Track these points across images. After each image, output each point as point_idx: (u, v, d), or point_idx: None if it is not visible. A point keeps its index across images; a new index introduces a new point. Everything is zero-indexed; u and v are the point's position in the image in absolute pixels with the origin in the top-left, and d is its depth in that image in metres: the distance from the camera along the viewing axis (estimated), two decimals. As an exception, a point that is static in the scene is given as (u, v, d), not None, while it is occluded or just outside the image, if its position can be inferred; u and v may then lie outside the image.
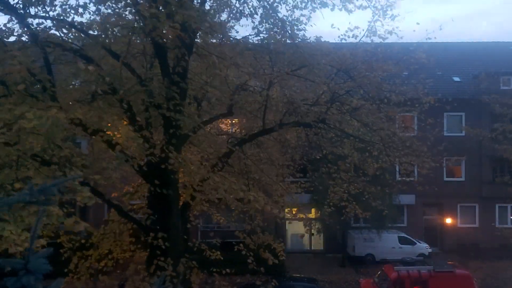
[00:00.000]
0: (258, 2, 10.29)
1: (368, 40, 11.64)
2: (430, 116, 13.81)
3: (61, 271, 6.95)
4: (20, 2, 8.87)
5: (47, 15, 9.23)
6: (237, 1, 10.57)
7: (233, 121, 15.58)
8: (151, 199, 11.07)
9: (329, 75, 11.79)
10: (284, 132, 12.65)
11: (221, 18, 10.50)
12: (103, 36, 8.99)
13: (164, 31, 8.00)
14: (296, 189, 14.32)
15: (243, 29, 15.41)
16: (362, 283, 21.27)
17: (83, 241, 11.96)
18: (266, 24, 10.44)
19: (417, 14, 33.90)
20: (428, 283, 18.49)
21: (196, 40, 9.48)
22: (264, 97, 11.14)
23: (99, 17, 9.45)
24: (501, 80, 29.25)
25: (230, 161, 12.09)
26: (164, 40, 8.62)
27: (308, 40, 10.75)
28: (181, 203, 11.57)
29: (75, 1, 9.65)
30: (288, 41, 10.28)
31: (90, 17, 9.61)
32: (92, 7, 9.47)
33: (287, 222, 26.77)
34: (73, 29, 9.38)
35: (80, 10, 9.10)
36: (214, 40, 9.64)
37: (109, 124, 9.26)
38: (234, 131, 14.87)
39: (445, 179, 29.41)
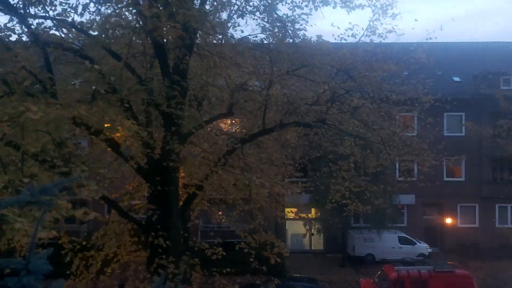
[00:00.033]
0: (259, 1, 10.29)
1: (368, 40, 11.65)
2: (430, 116, 13.81)
3: (62, 271, 6.94)
4: (20, 2, 8.87)
5: (47, 15, 9.23)
6: (238, 0, 10.59)
7: (233, 121, 15.58)
8: (151, 198, 11.07)
9: (329, 74, 11.80)
10: (284, 132, 12.65)
11: (222, 18, 10.52)
12: (103, 36, 9.00)
13: (165, 31, 8.00)
14: (297, 189, 14.32)
15: (242, 29, 15.46)
16: (362, 283, 21.28)
17: (84, 242, 11.93)
18: (267, 24, 10.44)
19: (417, 14, 33.86)
20: (428, 283, 18.50)
21: (196, 40, 9.49)
22: (264, 97, 11.15)
23: (99, 17, 9.46)
24: (501, 80, 29.26)
25: (230, 161, 12.09)
26: (165, 40, 8.63)
27: (309, 39, 10.75)
28: (181, 203, 11.58)
29: (75, 1, 9.66)
30: (289, 40, 10.28)
31: (90, 16, 9.62)
32: (92, 8, 9.47)
33: (287, 222, 26.79)
34: (73, 29, 9.38)
35: (80, 10, 9.09)
36: (214, 41, 9.65)
37: (109, 125, 9.25)
38: (234, 131, 14.86)
39: (445, 179, 29.43)
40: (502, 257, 26.16)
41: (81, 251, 11.92)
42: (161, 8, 8.09)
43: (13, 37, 9.21)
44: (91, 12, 9.63)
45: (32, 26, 9.10)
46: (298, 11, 10.45)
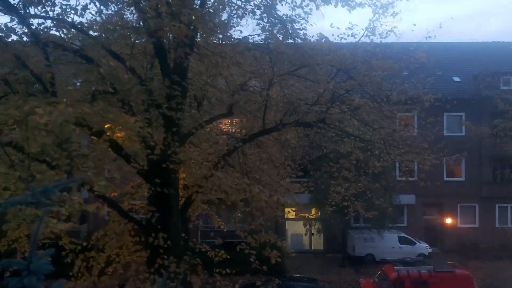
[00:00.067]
0: (259, 1, 10.28)
1: (368, 40, 11.65)
2: (430, 115, 13.82)
3: (62, 272, 6.96)
4: (20, 1, 8.87)
5: (47, 15, 9.22)
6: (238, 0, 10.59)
7: (233, 121, 15.58)
8: (152, 199, 11.07)
9: (329, 74, 11.79)
10: (284, 132, 12.65)
11: (222, 18, 10.51)
12: (103, 36, 8.99)
13: (167, 30, 7.98)
14: (298, 189, 14.32)
15: (243, 29, 15.49)
16: (362, 283, 21.28)
17: (84, 243, 11.91)
18: (267, 24, 10.43)
19: (416, 14, 33.93)
20: (428, 283, 18.50)
21: (196, 39, 9.49)
22: (264, 97, 11.15)
23: (99, 17, 9.46)
24: (501, 80, 29.27)
25: (230, 161, 12.09)
26: (166, 40, 8.62)
27: (309, 39, 10.74)
28: (181, 203, 11.58)
29: (75, 1, 9.67)
30: (289, 40, 10.27)
31: (92, 17, 9.62)
32: (93, 8, 9.47)
33: (287, 221, 26.81)
34: (73, 30, 9.37)
35: (80, 10, 9.08)
36: (215, 41, 9.65)
37: (109, 125, 9.24)
38: (234, 131, 14.86)
39: (445, 179, 29.43)
40: (502, 257, 26.17)
41: (82, 252, 11.91)
42: (162, 7, 8.09)
43: (13, 37, 9.21)
44: (92, 12, 9.64)
45: (33, 26, 9.09)
46: (298, 10, 10.46)
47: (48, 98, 8.32)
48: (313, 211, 26.00)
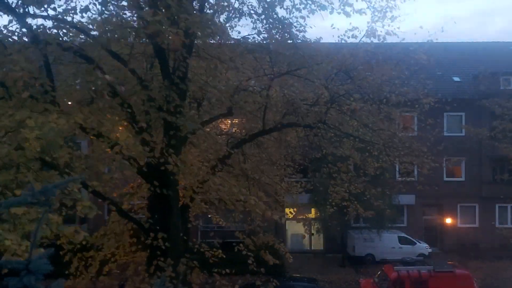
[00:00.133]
0: (257, 3, 10.29)
1: (368, 41, 11.67)
2: (430, 116, 13.84)
3: (62, 271, 6.93)
4: (20, 1, 8.87)
5: (47, 14, 9.22)
6: (236, 1, 10.59)
7: (233, 121, 15.58)
8: (152, 199, 11.08)
9: (329, 75, 11.80)
10: (284, 132, 12.67)
11: (220, 19, 10.52)
12: (103, 36, 8.99)
13: (168, 36, 7.98)
14: (297, 189, 14.34)
15: (242, 29, 15.48)
16: (362, 283, 21.28)
17: (83, 242, 11.92)
18: (267, 25, 10.43)
19: (416, 14, 33.93)
20: (428, 283, 18.50)
21: (196, 41, 9.49)
22: (264, 97, 11.15)
23: (100, 18, 9.45)
24: (501, 80, 29.27)
25: (230, 162, 12.10)
26: (165, 44, 8.61)
27: (308, 41, 10.75)
28: (181, 203, 11.58)
29: (75, 1, 9.66)
30: (288, 41, 10.27)
31: (92, 15, 9.61)
32: (93, 8, 9.47)
33: (287, 222, 26.79)
34: (73, 29, 9.37)
35: (78, 10, 9.08)
36: (213, 40, 9.64)
37: (107, 129, 9.24)
38: (234, 131, 14.86)
39: (445, 179, 29.43)
40: (502, 257, 26.17)
41: (81, 251, 11.92)
42: (163, 11, 8.09)
43: (13, 38, 9.21)
44: (93, 12, 9.64)
45: (32, 27, 9.09)
46: (296, 13, 10.44)
47: (45, 103, 8.31)
48: (312, 211, 26.02)
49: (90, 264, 11.81)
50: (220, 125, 15.22)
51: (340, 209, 14.92)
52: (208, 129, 12.72)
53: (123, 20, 9.04)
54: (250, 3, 10.48)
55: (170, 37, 7.82)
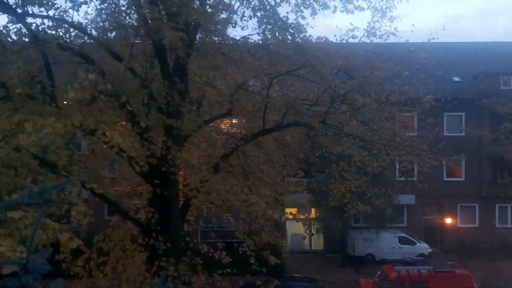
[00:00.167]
0: (258, 2, 10.27)
1: (368, 41, 11.67)
2: (430, 116, 13.83)
3: (61, 272, 6.92)
4: (20, 1, 8.86)
5: (47, 13, 9.22)
6: (237, 1, 10.58)
7: (233, 121, 15.57)
8: (152, 199, 11.07)
9: (330, 74, 11.80)
10: (284, 132, 12.65)
11: (220, 18, 10.50)
12: (101, 34, 8.99)
13: (166, 33, 7.98)
14: (299, 189, 14.32)
15: (242, 26, 15.32)
16: (362, 283, 21.29)
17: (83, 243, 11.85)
18: (268, 25, 10.41)
19: (417, 14, 33.92)
20: (428, 283, 18.50)
21: (196, 40, 9.49)
22: (264, 97, 11.14)
23: (99, 17, 9.46)
24: (501, 80, 29.28)
25: (230, 161, 12.08)
26: (166, 42, 8.61)
27: (311, 39, 10.72)
28: (181, 203, 11.56)
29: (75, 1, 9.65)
30: (289, 41, 10.25)
31: (92, 15, 9.62)
32: (92, 8, 9.48)
33: (287, 222, 26.77)
34: (73, 29, 9.37)
35: (77, 11, 9.09)
36: (214, 38, 9.63)
37: (106, 133, 9.21)
38: (234, 131, 14.85)
39: (445, 179, 29.43)
40: (502, 257, 26.15)
41: (82, 252, 11.86)
42: (162, 9, 8.08)
43: (13, 37, 9.21)
44: (92, 11, 9.65)
45: (32, 27, 9.09)
46: (297, 14, 10.42)
47: (46, 99, 8.30)
48: (313, 211, 26.01)
49: (91, 263, 11.74)
50: (220, 125, 15.20)
51: (340, 208, 14.93)
52: (208, 130, 12.69)
53: (123, 20, 9.02)
54: (250, 3, 10.46)
55: (168, 34, 7.82)
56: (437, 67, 19.62)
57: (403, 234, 27.54)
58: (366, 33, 11.49)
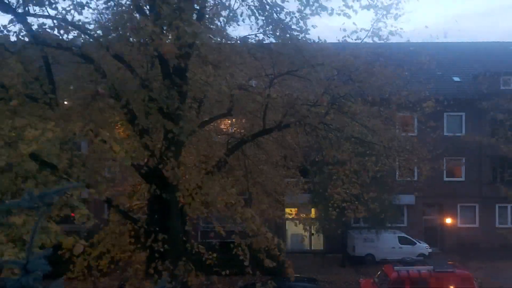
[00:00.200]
0: (258, 2, 10.26)
1: (370, 41, 11.66)
2: (430, 116, 13.82)
3: (61, 272, 6.92)
4: (21, 0, 8.86)
5: (47, 13, 9.21)
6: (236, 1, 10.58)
7: (233, 121, 15.58)
8: (152, 199, 11.07)
9: (330, 76, 11.79)
10: (284, 133, 12.65)
11: (220, 19, 10.49)
12: (102, 34, 8.98)
13: (163, 48, 7.96)
14: (299, 190, 14.34)
15: (242, 29, 15.38)
16: (362, 283, 21.28)
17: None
18: (268, 26, 10.40)
19: (416, 14, 33.92)
20: (428, 283, 18.49)
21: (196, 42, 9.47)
22: (265, 97, 11.13)
23: (100, 17, 9.46)
24: (501, 80, 29.26)
25: (230, 162, 12.08)
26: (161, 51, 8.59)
27: (310, 41, 10.72)
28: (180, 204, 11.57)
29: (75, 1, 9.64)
30: (289, 41, 10.25)
31: (93, 15, 9.62)
32: (94, 9, 9.47)
33: (287, 222, 26.76)
34: (73, 29, 9.36)
35: (78, 5, 9.06)
36: (213, 40, 9.62)
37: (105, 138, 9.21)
38: (234, 131, 14.86)
39: (445, 179, 29.42)
40: (502, 257, 26.14)
41: (82, 252, 11.86)
42: (160, 16, 8.07)
43: (13, 37, 9.20)
44: (93, 11, 9.64)
45: (33, 27, 9.08)
46: (297, 14, 10.40)
47: (44, 103, 8.28)
48: (312, 211, 25.99)
49: (90, 265, 11.77)
50: (220, 125, 15.21)
51: (340, 210, 14.93)
52: (208, 130, 12.69)
53: (122, 20, 9.01)
54: (250, 3, 10.44)
55: (160, 44, 7.81)
56: (437, 67, 19.55)
57: (403, 234, 27.53)
58: (368, 33, 11.47)
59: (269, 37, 10.72)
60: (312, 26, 10.52)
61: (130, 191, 12.78)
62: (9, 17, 9.02)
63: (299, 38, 10.19)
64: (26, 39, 9.14)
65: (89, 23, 9.34)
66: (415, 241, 27.25)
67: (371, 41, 11.70)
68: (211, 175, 10.83)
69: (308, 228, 23.54)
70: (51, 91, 8.83)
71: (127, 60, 9.20)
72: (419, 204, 29.33)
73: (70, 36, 9.49)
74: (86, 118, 8.71)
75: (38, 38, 8.73)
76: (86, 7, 9.22)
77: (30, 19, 9.08)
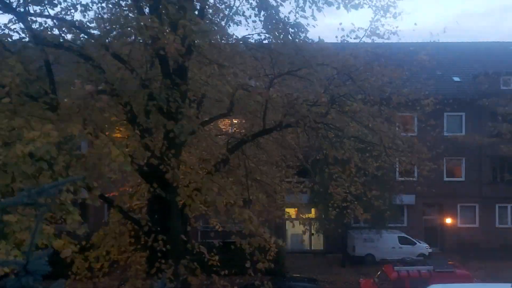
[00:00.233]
0: (258, 1, 10.25)
1: (369, 40, 11.65)
2: (430, 116, 13.82)
3: (62, 272, 6.91)
4: (21, 0, 8.86)
5: (47, 13, 9.21)
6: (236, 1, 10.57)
7: (233, 121, 15.56)
8: (152, 199, 11.06)
9: (330, 76, 11.78)
10: (284, 132, 12.63)
11: (220, 17, 10.49)
12: (103, 34, 8.98)
13: (166, 42, 7.95)
14: (299, 190, 14.32)
15: (242, 29, 15.39)
16: (362, 283, 21.28)
17: (83, 243, 11.88)
18: (268, 26, 10.39)
19: (417, 14, 33.92)
20: (428, 283, 18.48)
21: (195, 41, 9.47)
22: (265, 97, 11.12)
23: (100, 16, 9.45)
24: (501, 80, 29.27)
25: (231, 162, 12.06)
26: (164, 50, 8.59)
27: (310, 41, 10.70)
28: (181, 203, 11.56)
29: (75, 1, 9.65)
30: (290, 40, 10.23)
31: (93, 13, 9.61)
32: (94, 7, 9.47)
33: (287, 222, 26.74)
34: (74, 29, 9.36)
35: (81, 8, 9.07)
36: (213, 40, 9.61)
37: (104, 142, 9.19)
38: (234, 131, 14.84)
39: (445, 179, 29.42)
40: (502, 257, 26.14)
41: (82, 252, 11.86)
42: (161, 15, 8.07)
43: (15, 35, 9.20)
44: (93, 11, 9.63)
45: (33, 26, 9.07)
46: (297, 15, 10.39)
47: (44, 103, 8.27)
48: (313, 211, 25.98)
49: (90, 264, 11.76)
50: (220, 125, 15.19)
51: (340, 210, 14.93)
52: (208, 129, 12.67)
53: (123, 19, 9.01)
54: (250, 3, 10.45)
55: (166, 43, 7.80)
56: (437, 67, 19.58)
57: (403, 234, 27.52)
58: (367, 33, 11.47)
59: (269, 38, 10.70)
60: (312, 26, 10.51)
61: (130, 191, 12.76)
62: (9, 16, 9.03)
63: (299, 37, 10.18)
64: (26, 38, 9.14)
65: (89, 22, 9.34)
66: (415, 241, 27.25)
67: (370, 41, 11.70)
68: (211, 175, 10.82)
69: (308, 228, 23.58)
70: (51, 91, 8.82)
71: (127, 59, 9.19)
72: (419, 204, 29.34)
73: (70, 36, 9.50)
74: (86, 118, 8.68)
75: (38, 38, 8.72)
76: (87, 7, 9.22)
77: (30, 19, 9.08)
